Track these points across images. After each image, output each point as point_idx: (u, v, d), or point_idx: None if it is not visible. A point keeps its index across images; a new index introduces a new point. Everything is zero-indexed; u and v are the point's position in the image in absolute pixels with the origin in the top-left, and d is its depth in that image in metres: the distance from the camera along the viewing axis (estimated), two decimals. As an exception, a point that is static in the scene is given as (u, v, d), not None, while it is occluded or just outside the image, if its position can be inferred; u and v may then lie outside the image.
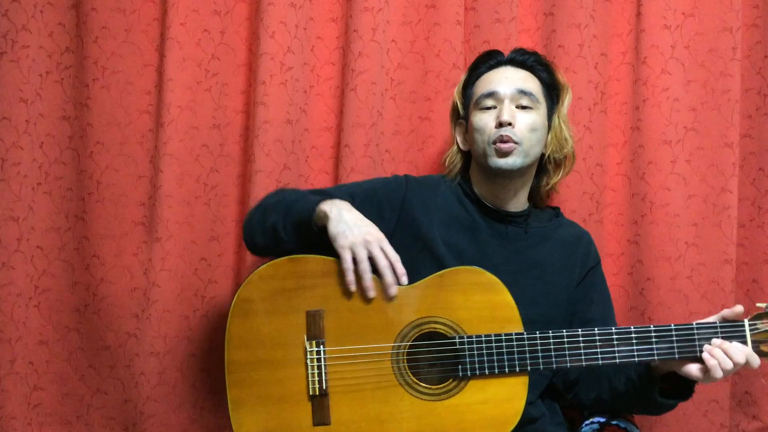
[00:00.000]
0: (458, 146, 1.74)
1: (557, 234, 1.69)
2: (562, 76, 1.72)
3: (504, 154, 1.58)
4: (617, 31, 2.03)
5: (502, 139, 1.58)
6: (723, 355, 1.41)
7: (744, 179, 2.03)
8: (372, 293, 1.45)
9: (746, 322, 1.44)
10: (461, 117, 1.73)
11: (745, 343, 1.43)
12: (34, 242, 1.93)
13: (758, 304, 1.47)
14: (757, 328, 1.44)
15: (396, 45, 2.00)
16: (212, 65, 1.98)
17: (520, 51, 1.70)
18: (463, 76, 1.75)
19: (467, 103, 1.71)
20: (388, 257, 1.47)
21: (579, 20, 1.96)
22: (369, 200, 1.63)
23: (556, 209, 1.77)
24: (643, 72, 2.00)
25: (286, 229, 1.53)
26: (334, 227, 1.46)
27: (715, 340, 1.43)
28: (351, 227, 1.46)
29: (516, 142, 1.58)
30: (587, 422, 1.67)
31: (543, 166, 1.71)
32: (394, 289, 1.46)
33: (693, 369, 1.45)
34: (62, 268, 1.96)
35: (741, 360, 1.41)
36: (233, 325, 1.49)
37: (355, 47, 1.94)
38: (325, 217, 1.48)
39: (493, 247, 1.62)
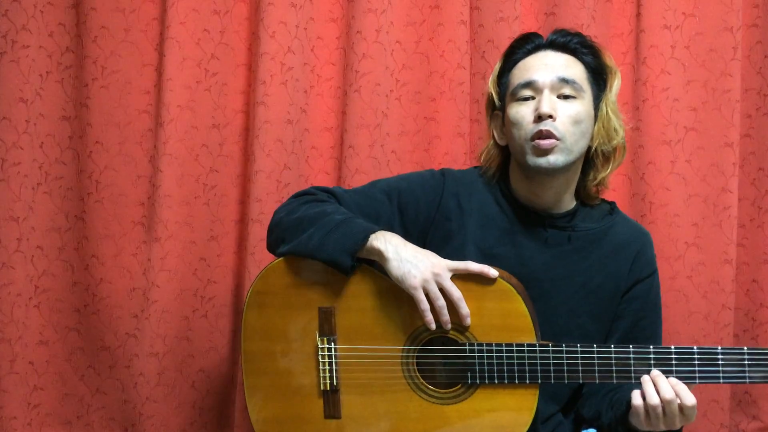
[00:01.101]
0: (495, 141, 1.56)
1: (608, 236, 1.51)
2: (609, 59, 1.53)
3: (544, 151, 1.42)
4: (618, 32, 2.03)
5: (542, 135, 1.41)
6: (652, 388, 1.30)
7: (744, 179, 2.03)
8: (450, 327, 1.38)
9: None
10: (497, 108, 1.55)
11: None
12: (34, 242, 1.92)
13: None
14: None
15: (400, 46, 1.99)
16: (212, 65, 1.98)
17: (561, 32, 1.51)
18: (498, 64, 1.56)
19: (503, 93, 1.53)
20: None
21: (580, 20, 1.95)
22: (406, 202, 1.54)
23: (612, 204, 1.58)
24: (643, 72, 2.00)
25: (324, 247, 1.42)
26: (397, 269, 1.38)
27: (654, 371, 1.32)
28: (415, 264, 1.37)
29: (558, 138, 1.41)
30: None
31: (589, 159, 1.52)
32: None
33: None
34: (62, 268, 1.96)
35: (668, 395, 1.28)
36: (249, 316, 1.49)
37: (358, 48, 1.94)
38: (380, 256, 1.40)
39: (533, 252, 1.49)
